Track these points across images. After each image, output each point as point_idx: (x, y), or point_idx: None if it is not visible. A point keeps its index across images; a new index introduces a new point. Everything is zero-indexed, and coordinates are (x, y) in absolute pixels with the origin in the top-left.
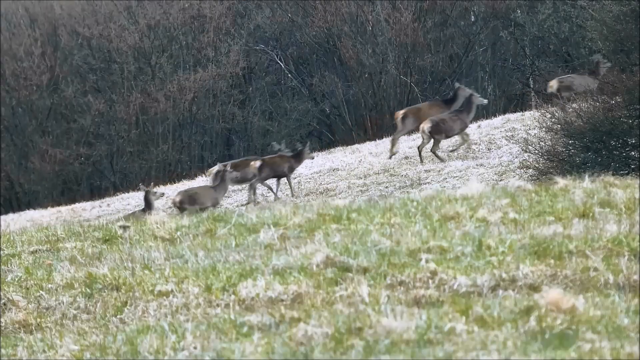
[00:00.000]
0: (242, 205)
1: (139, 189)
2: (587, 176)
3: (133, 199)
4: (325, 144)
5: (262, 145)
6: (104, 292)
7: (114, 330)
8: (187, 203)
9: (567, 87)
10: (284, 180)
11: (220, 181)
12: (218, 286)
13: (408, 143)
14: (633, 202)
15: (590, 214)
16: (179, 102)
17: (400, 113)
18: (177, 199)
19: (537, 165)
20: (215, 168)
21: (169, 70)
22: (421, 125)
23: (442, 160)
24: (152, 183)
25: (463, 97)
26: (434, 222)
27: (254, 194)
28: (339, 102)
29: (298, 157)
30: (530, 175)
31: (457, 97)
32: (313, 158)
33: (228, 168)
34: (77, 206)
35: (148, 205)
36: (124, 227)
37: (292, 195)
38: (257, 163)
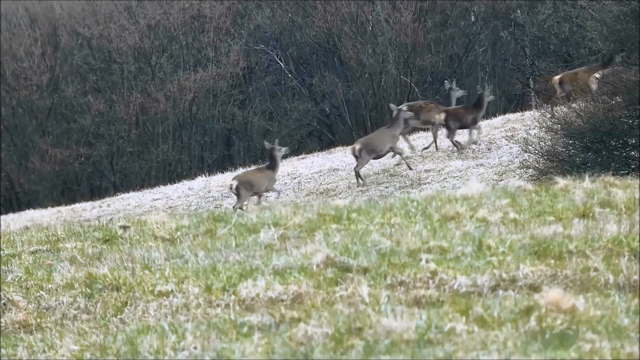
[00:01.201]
0: (396, 165)
1: (266, 147)
2: (587, 176)
3: (133, 199)
4: (325, 144)
5: (262, 145)
6: (104, 292)
7: (114, 331)
8: (367, 151)
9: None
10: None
11: (395, 120)
12: (218, 286)
13: (408, 143)
14: (633, 202)
15: (591, 214)
16: (179, 102)
17: (556, 78)
18: (357, 147)
19: (537, 165)
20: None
21: (169, 70)
22: (591, 77)
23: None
24: (276, 140)
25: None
26: (434, 222)
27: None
28: (339, 102)
29: (479, 105)
30: (531, 175)
31: (612, 61)
32: (491, 100)
33: (404, 108)
34: (77, 206)
35: (273, 162)
36: (124, 227)
37: (475, 143)
38: (442, 115)
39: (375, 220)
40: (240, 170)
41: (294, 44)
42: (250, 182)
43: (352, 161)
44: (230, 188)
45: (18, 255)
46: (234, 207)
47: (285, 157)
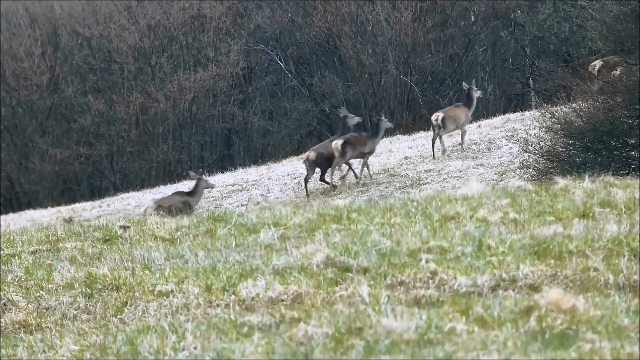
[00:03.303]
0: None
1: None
2: (587, 176)
3: (133, 199)
4: None
5: (262, 145)
6: (104, 292)
7: (114, 331)
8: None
9: None
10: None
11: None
12: (218, 286)
13: (408, 143)
14: (633, 202)
15: (591, 214)
16: (179, 102)
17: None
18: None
19: (537, 166)
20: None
21: (169, 70)
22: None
23: None
24: (473, 80)
25: None
26: (434, 222)
27: None
28: (339, 102)
29: None
30: (531, 176)
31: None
32: None
33: (598, 63)
34: (77, 206)
35: (470, 101)
36: (124, 227)
37: None
38: None
39: (375, 220)
40: (240, 170)
41: (294, 44)
42: (453, 116)
43: (351, 161)
44: (436, 120)
45: (18, 255)
46: (434, 139)
47: (285, 156)
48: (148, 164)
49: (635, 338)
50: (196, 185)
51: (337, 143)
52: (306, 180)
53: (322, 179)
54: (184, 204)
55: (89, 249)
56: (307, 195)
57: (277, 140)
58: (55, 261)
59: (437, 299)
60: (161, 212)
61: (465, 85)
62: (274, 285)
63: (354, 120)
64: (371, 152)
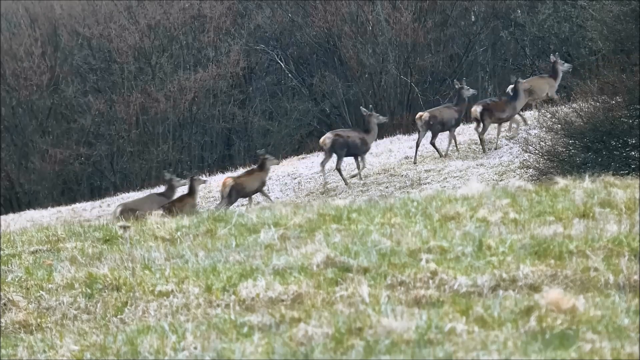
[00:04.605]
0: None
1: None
2: (587, 176)
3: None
4: None
5: (262, 145)
6: (105, 292)
7: (114, 331)
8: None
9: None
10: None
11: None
12: (218, 286)
13: (408, 143)
14: (633, 202)
15: (591, 214)
16: (179, 102)
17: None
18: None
19: (537, 165)
20: None
21: (169, 70)
22: None
23: None
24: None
25: None
26: (434, 222)
27: None
28: (339, 102)
29: None
30: (531, 175)
31: None
32: None
33: None
34: (77, 206)
35: (555, 73)
36: (124, 227)
37: None
38: None
39: (375, 220)
40: (241, 170)
41: (294, 44)
42: (535, 86)
43: (351, 161)
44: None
45: (18, 255)
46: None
47: (285, 157)
48: (148, 164)
49: (636, 338)
50: (368, 122)
51: (475, 110)
52: (417, 145)
53: (432, 143)
54: (361, 141)
55: (89, 249)
56: (439, 154)
57: (277, 140)
58: (56, 261)
59: (437, 299)
60: (340, 140)
61: (552, 58)
62: (274, 286)
63: (469, 92)
64: (510, 117)
